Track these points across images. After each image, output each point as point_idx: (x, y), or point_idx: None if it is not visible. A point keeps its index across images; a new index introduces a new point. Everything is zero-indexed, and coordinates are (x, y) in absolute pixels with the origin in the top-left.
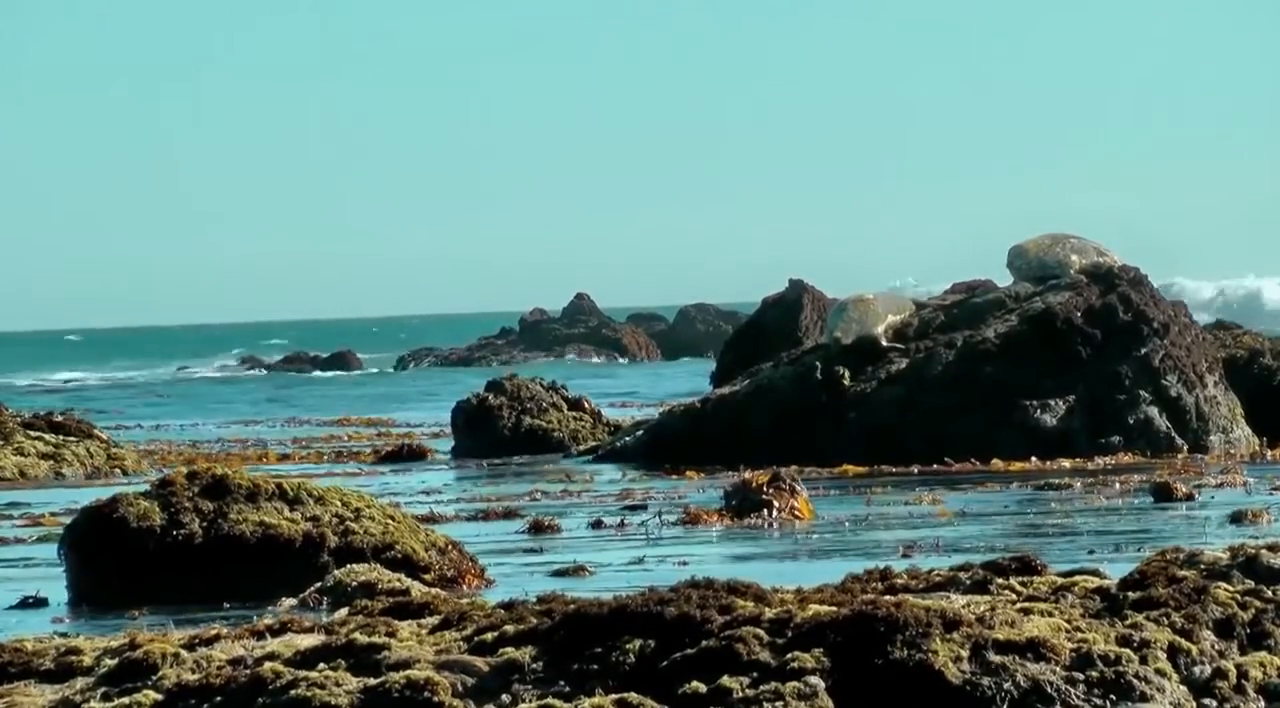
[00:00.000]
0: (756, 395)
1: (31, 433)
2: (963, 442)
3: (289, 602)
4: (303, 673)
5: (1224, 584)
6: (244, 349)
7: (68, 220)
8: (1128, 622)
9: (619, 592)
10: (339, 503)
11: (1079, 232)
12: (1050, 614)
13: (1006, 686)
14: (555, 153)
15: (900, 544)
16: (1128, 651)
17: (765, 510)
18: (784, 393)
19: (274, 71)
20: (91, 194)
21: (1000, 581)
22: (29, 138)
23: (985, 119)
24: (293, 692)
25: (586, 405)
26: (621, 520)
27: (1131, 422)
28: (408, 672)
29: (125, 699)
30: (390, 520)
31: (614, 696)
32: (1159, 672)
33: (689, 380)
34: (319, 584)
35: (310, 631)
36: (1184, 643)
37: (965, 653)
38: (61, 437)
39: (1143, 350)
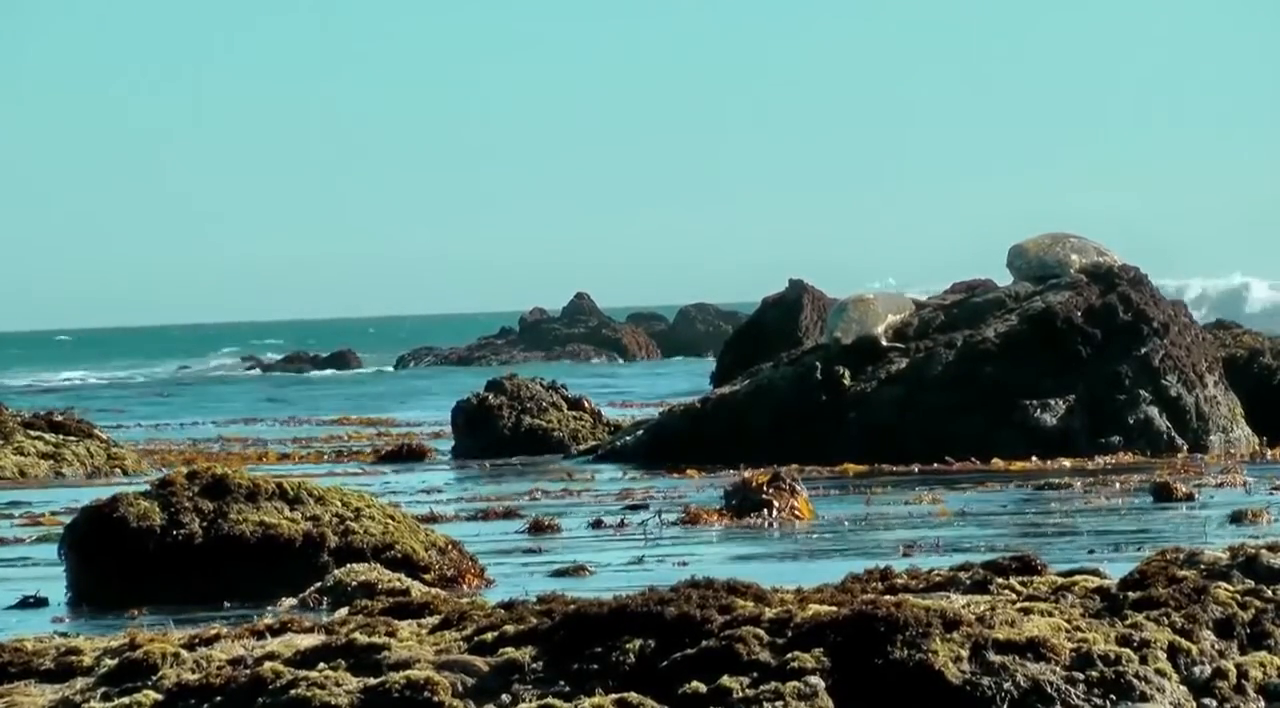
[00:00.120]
0: (756, 395)
1: (31, 432)
2: (963, 442)
3: (289, 602)
4: (303, 673)
5: (1224, 584)
6: (243, 349)
7: (67, 220)
8: (1128, 622)
9: (619, 592)
10: (339, 503)
11: (1079, 232)
12: (1050, 614)
13: (1006, 686)
14: (555, 153)
15: (900, 544)
16: (1128, 650)
17: (765, 510)
18: (784, 393)
19: (274, 71)
20: (91, 194)
21: (1000, 580)
22: (29, 138)
23: (985, 119)
24: (293, 692)
25: (586, 405)
26: (621, 520)
27: (1131, 422)
28: (408, 672)
29: (125, 699)
30: (390, 520)
31: (614, 696)
32: (1159, 672)
33: (689, 380)
34: (319, 584)
35: (310, 631)
36: (1184, 643)
37: (965, 653)
38: (61, 436)
39: (1143, 350)
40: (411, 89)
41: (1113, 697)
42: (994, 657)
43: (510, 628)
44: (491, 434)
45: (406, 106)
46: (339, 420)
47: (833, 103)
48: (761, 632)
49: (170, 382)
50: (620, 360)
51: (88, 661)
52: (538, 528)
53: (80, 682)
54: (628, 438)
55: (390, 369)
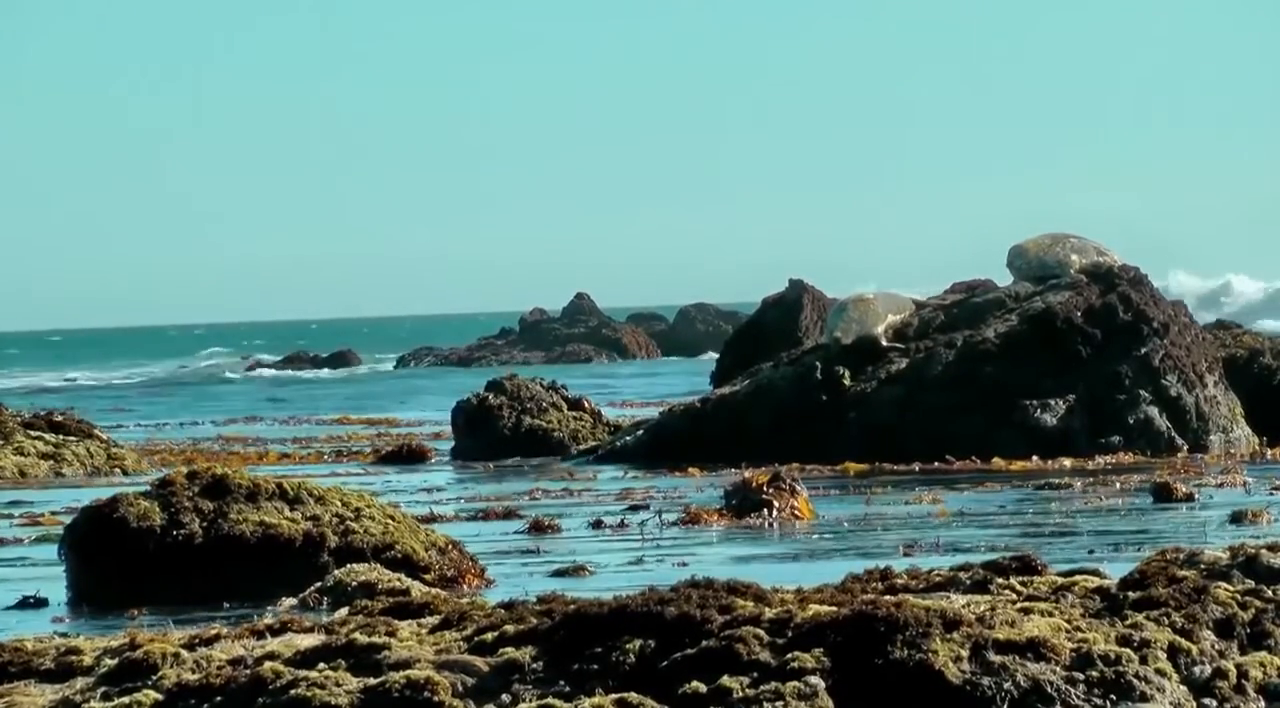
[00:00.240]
0: (757, 395)
1: (31, 433)
2: (963, 442)
3: (289, 602)
4: (303, 673)
5: (1224, 584)
6: (243, 348)
7: (67, 220)
8: (1128, 622)
9: (619, 592)
10: (339, 503)
11: (1079, 232)
12: (1050, 614)
13: (1006, 686)
14: (555, 153)
15: (900, 544)
16: (1128, 650)
17: (765, 510)
18: (784, 393)
19: (274, 71)
20: (91, 194)
21: (1000, 580)
22: (29, 138)
23: (985, 119)
24: (293, 692)
25: (586, 405)
26: (622, 520)
27: (1131, 422)
28: (408, 672)
29: (125, 699)
30: (390, 520)
31: (614, 696)
32: (1159, 672)
33: (689, 380)
34: (319, 584)
35: (310, 630)
36: (1184, 643)
37: (965, 653)
38: (61, 436)
39: (1143, 350)
40: (411, 89)
41: (1113, 697)
42: (994, 657)
43: (510, 628)
44: (492, 434)
45: (406, 106)
46: (339, 420)
47: (833, 103)
48: (761, 632)
49: (170, 381)
50: (620, 360)
51: (88, 661)
52: (538, 528)
53: (80, 682)
54: (628, 438)
55: (390, 369)
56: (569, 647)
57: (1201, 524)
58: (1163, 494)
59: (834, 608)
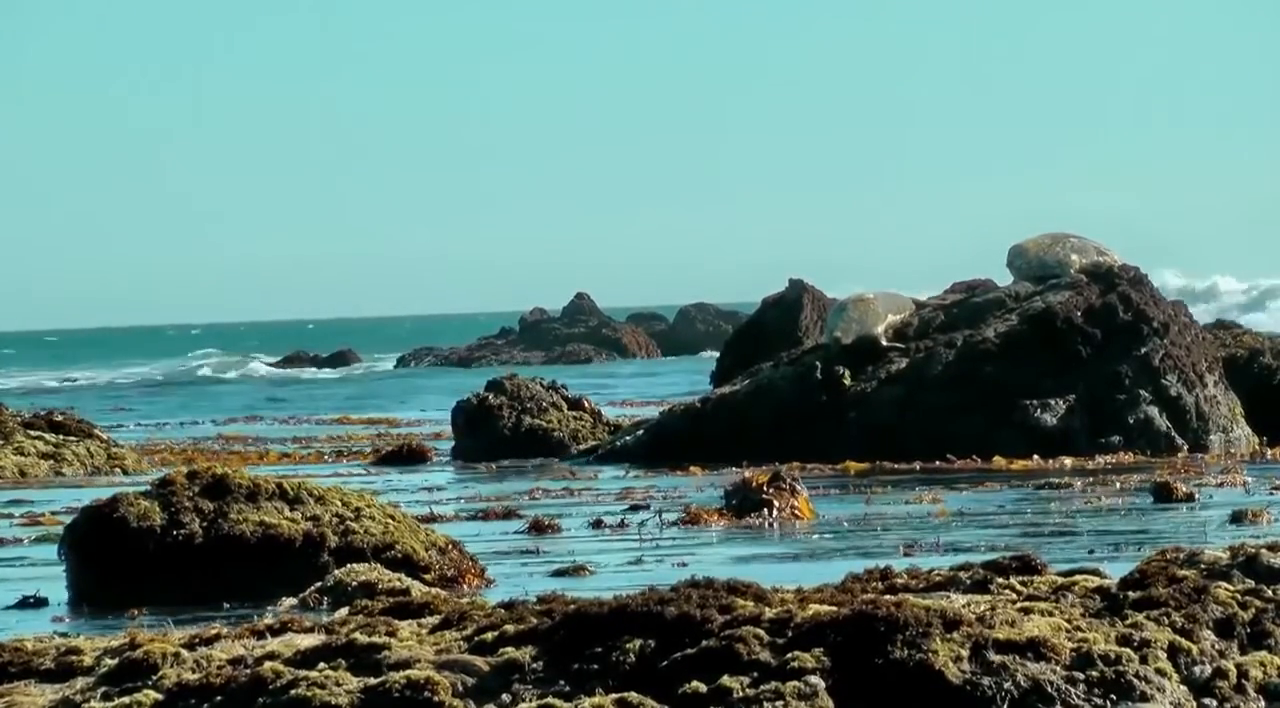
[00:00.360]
0: (757, 395)
1: (31, 432)
2: (963, 441)
3: (289, 602)
4: (303, 673)
5: (1224, 584)
6: (243, 348)
7: (67, 220)
8: (1128, 621)
9: (619, 592)
10: (339, 503)
11: (1079, 232)
12: (1050, 614)
13: (1006, 685)
14: (555, 153)
15: (900, 544)
16: (1128, 650)
17: (765, 510)
18: (784, 393)
19: (274, 71)
20: (91, 194)
21: (1000, 580)
22: (29, 138)
23: (985, 119)
24: (293, 692)
25: (586, 405)
26: (622, 520)
27: (1131, 421)
28: (408, 672)
29: (125, 699)
30: (390, 520)
31: (614, 696)
32: (1159, 672)
33: (688, 380)
34: (319, 584)
35: (310, 630)
36: (1184, 643)
37: (965, 653)
38: (61, 436)
39: (1143, 350)
40: (411, 89)
41: (1113, 697)
42: (994, 657)
43: (510, 628)
44: (492, 434)
45: (406, 106)
46: (339, 420)
47: (833, 103)
48: (762, 632)
49: (170, 381)
50: (620, 360)
51: (88, 661)
52: (538, 528)
53: (80, 682)
54: (628, 438)
55: (390, 369)
56: (569, 647)
57: (1201, 524)
58: (1163, 494)
59: (834, 608)
